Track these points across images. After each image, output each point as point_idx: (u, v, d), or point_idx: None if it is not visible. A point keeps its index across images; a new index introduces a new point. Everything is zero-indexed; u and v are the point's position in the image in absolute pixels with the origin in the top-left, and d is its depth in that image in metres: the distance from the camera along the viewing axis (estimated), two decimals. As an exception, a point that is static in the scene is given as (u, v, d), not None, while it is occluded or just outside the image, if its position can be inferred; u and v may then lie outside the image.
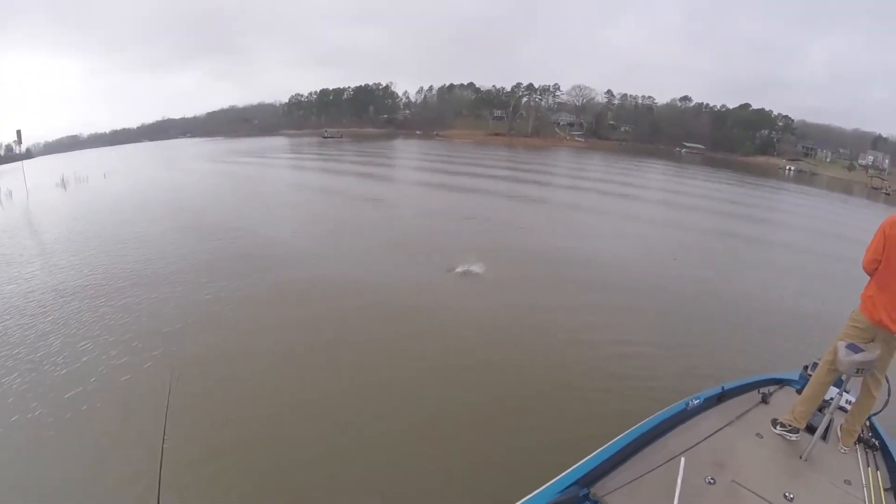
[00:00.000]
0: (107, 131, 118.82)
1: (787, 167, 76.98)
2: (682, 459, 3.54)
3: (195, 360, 7.67)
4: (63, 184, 28.76)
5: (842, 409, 4.61)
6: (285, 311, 9.53)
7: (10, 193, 24.90)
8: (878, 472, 4.01)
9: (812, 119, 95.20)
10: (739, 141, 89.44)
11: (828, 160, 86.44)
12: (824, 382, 4.21)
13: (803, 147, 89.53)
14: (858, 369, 3.86)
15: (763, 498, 3.55)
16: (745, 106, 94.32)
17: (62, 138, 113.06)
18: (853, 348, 3.88)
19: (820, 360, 4.38)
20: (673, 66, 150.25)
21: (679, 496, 3.22)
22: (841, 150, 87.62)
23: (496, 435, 5.89)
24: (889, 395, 4.33)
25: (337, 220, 18.20)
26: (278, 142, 70.65)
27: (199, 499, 4.87)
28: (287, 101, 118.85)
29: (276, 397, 6.56)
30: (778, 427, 4.25)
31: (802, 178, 66.34)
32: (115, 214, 19.29)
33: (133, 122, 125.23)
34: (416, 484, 5.15)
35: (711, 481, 3.69)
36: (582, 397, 6.68)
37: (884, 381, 4.16)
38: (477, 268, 11.94)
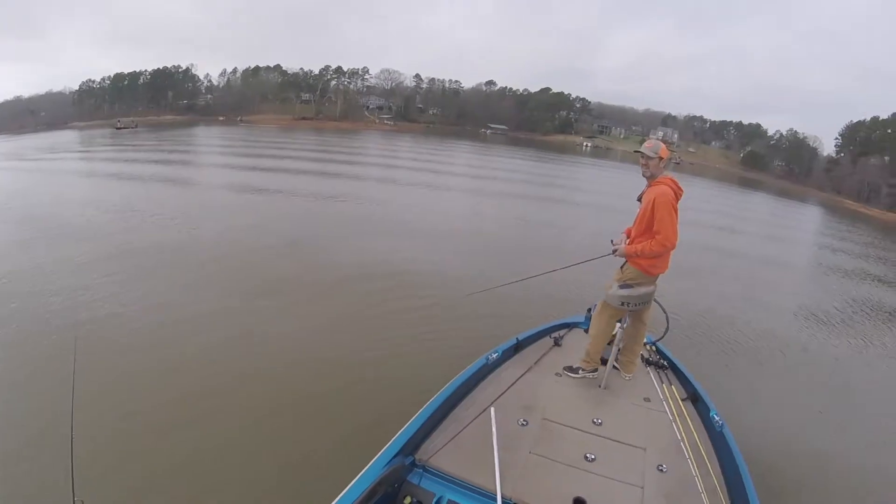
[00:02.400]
0: None
1: (585, 144, 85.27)
2: (493, 409, 3.77)
3: None
4: None
5: None
6: None
7: None
8: (672, 387, 4.53)
9: (608, 101, 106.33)
10: (540, 121, 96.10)
11: (622, 136, 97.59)
12: (607, 322, 4.55)
13: (599, 126, 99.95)
14: (624, 303, 4.26)
15: (574, 427, 3.89)
16: (546, 90, 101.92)
17: None
18: (625, 286, 4.31)
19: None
20: (482, 52, 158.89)
21: (496, 443, 3.46)
22: (634, 128, 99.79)
23: (319, 427, 5.60)
24: (668, 322, 5.01)
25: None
26: (65, 136, 61.39)
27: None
28: (78, 88, 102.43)
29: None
30: (580, 372, 4.60)
31: (598, 153, 74.75)
32: None
33: None
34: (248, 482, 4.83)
35: (524, 423, 3.94)
36: (389, 375, 6.56)
37: (660, 313, 4.83)
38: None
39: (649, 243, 4.10)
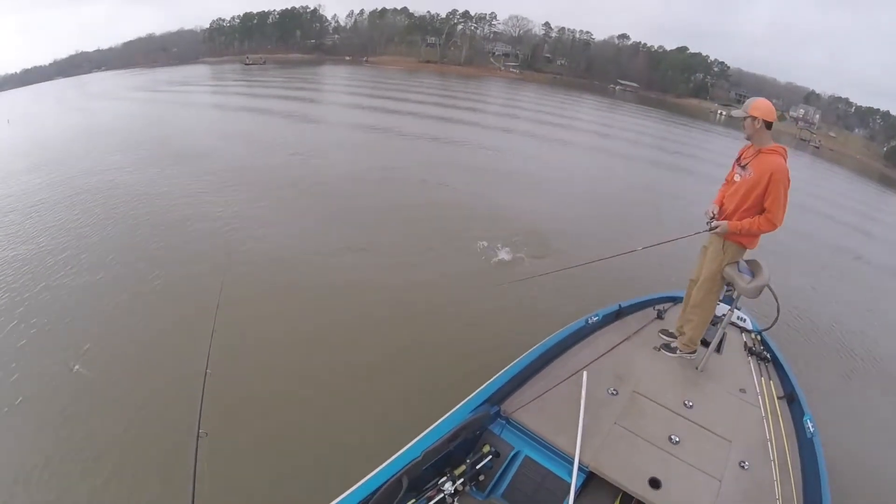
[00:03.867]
0: (17, 71, 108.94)
1: (719, 111, 77.49)
2: (585, 374, 3.86)
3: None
4: None
5: (734, 324, 5.12)
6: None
7: None
8: (771, 382, 4.36)
9: (747, 68, 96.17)
10: (673, 82, 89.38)
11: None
12: (713, 302, 4.37)
13: (736, 94, 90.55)
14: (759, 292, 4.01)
15: (663, 406, 3.83)
16: (683, 49, 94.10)
17: None
18: (745, 272, 4.05)
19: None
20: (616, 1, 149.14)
21: (584, 408, 3.54)
22: (774, 101, 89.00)
23: (414, 370, 6.03)
24: (779, 312, 4.42)
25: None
26: (198, 70, 65.73)
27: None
28: (208, 26, 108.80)
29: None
30: (677, 352, 4.46)
31: (732, 122, 68.20)
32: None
33: (45, 59, 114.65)
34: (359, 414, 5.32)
35: (614, 392, 3.92)
36: (487, 327, 6.79)
37: (771, 300, 4.30)
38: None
39: (757, 220, 3.81)
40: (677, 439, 3.52)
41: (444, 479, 3.30)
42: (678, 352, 4.44)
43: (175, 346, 6.34)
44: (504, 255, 8.85)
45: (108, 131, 20.19)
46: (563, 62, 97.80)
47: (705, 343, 4.49)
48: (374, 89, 40.48)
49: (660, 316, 5.15)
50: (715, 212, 4.16)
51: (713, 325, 4.57)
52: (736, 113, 3.90)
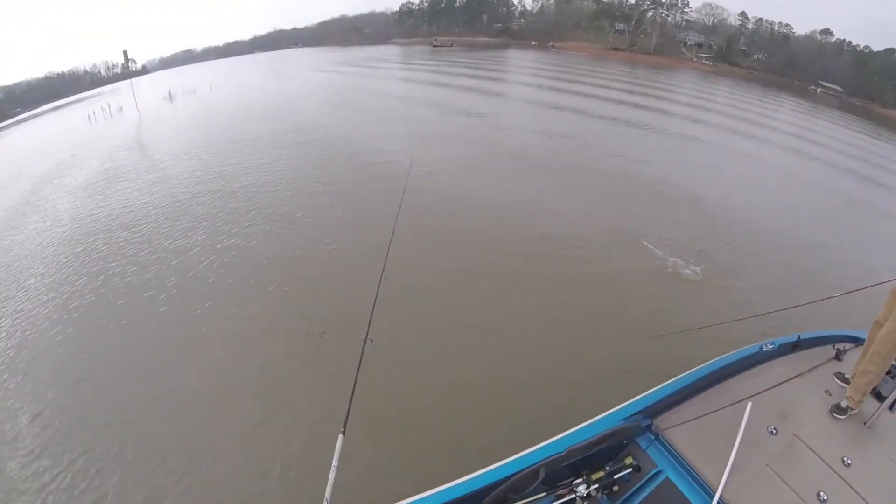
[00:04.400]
0: (220, 44, 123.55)
1: None
2: (749, 404, 3.61)
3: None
4: (170, 97, 30.46)
5: None
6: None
7: (121, 109, 26.70)
8: None
9: None
10: (880, 90, 77.49)
11: None
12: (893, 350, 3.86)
13: None
14: None
15: (822, 458, 3.49)
16: (892, 51, 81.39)
17: (177, 53, 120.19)
18: None
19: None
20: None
21: (740, 441, 3.31)
22: None
23: (575, 368, 6.44)
24: None
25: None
26: (389, 50, 70.00)
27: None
28: (398, 9, 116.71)
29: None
30: (848, 412, 3.91)
31: None
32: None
33: (245, 34, 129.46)
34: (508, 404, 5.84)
35: (774, 431, 3.65)
36: (658, 337, 6.85)
37: None
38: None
39: None
40: (825, 497, 3.27)
41: (580, 480, 3.34)
42: (849, 411, 3.91)
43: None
44: (685, 270, 9.07)
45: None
46: (759, 56, 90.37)
47: (880, 397, 4.01)
48: (560, 74, 41.30)
49: (838, 357, 4.64)
50: None
51: (892, 377, 4.21)
52: None
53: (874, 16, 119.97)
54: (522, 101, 26.71)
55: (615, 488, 3.45)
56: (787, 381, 4.14)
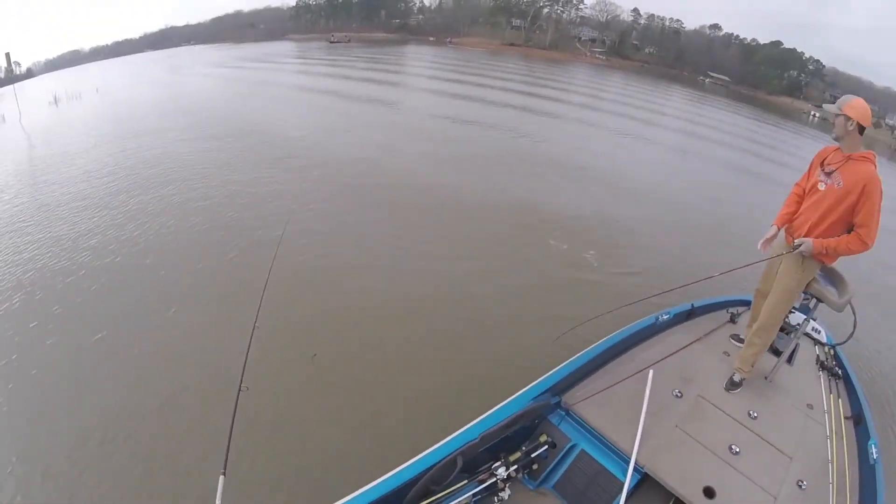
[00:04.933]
0: (108, 42, 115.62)
1: (812, 113, 72.66)
2: (651, 372, 3.74)
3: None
4: (55, 102, 27.76)
5: (807, 335, 4.93)
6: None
7: (2, 118, 24.47)
8: (840, 400, 4.17)
9: (843, 68, 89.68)
10: (766, 78, 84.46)
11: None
12: (781, 321, 4.11)
13: (831, 95, 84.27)
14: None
15: (728, 414, 3.74)
16: (777, 43, 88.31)
17: (63, 54, 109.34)
18: (828, 284, 3.94)
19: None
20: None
21: (646, 407, 3.47)
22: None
23: (472, 352, 6.13)
24: (855, 326, 4.29)
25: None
26: (284, 47, 67.91)
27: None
28: (294, 4, 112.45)
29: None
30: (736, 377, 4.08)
31: (825, 126, 63.95)
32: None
33: (135, 32, 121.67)
34: (404, 394, 5.50)
35: (678, 395, 3.86)
36: (553, 314, 6.78)
37: (849, 314, 4.12)
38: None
39: (847, 240, 3.43)
40: (737, 450, 3.45)
41: (499, 464, 3.35)
42: (742, 384, 4.07)
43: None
44: (578, 256, 8.80)
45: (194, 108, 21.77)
46: (651, 50, 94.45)
47: (777, 352, 4.34)
48: (457, 71, 40.83)
49: (732, 320, 5.00)
50: (775, 231, 3.95)
51: (787, 333, 4.43)
52: (828, 107, 3.48)
53: (762, 9, 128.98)
54: (425, 91, 25.75)
55: (534, 466, 3.49)
56: (686, 346, 4.35)
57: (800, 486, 3.29)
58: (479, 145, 16.18)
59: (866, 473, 3.47)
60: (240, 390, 2.96)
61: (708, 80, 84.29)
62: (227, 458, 2.56)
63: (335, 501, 2.82)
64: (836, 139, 3.50)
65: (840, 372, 4.56)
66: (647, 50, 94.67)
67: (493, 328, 6.70)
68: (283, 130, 16.21)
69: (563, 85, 39.13)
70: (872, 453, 3.50)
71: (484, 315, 6.97)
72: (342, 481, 3.34)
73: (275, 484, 4.53)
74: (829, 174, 3.51)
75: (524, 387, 3.62)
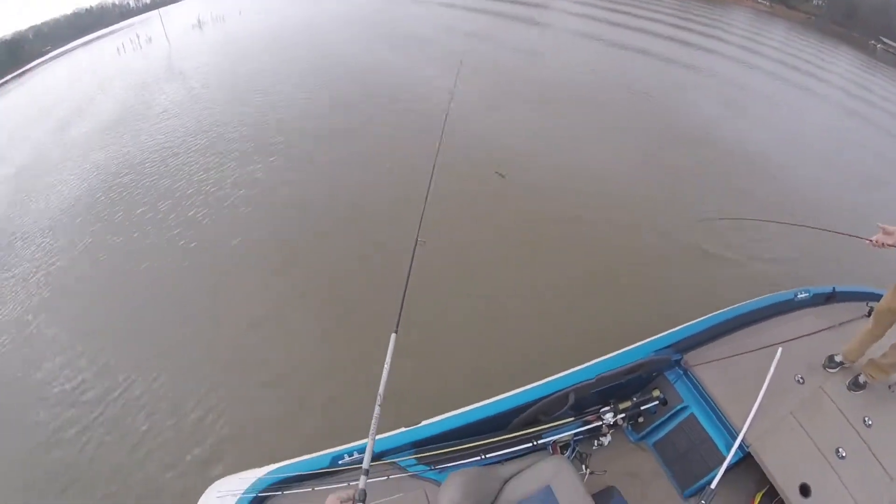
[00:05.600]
0: None
1: None
2: (779, 350, 3.53)
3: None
4: (199, 25, 30.10)
5: None
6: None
7: (149, 39, 25.85)
8: None
9: None
10: None
11: None
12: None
13: None
14: None
15: (844, 415, 3.51)
16: None
17: None
18: None
19: None
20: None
21: (767, 386, 3.29)
22: None
23: (607, 299, 6.57)
24: None
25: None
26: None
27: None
28: None
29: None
30: (865, 386, 3.80)
31: None
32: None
33: None
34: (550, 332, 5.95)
35: (801, 380, 3.69)
36: (688, 270, 7.21)
37: None
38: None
39: None
40: (844, 454, 3.30)
41: (608, 409, 3.44)
42: (866, 387, 3.79)
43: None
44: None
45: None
46: (821, 2, 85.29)
47: None
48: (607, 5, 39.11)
49: (870, 314, 4.23)
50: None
51: None
52: None
53: None
54: (569, 32, 25.61)
55: (640, 419, 3.56)
56: (819, 332, 4.09)
57: None
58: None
59: None
60: (416, 244, 3.23)
61: (879, 46, 75.60)
62: (399, 319, 2.81)
63: (456, 409, 3.17)
64: None
65: None
66: (815, 1, 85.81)
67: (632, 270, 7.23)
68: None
69: (719, 32, 36.74)
70: None
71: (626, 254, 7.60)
72: (473, 386, 3.99)
73: (427, 367, 5.37)
74: None
75: (645, 339, 3.67)
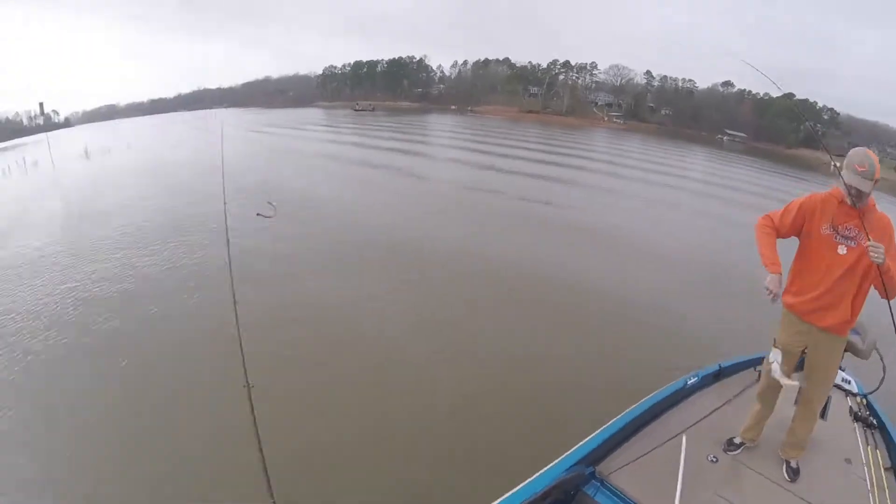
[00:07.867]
0: (144, 100, 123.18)
1: (833, 164, 71.24)
2: (684, 437, 3.65)
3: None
4: (86, 155, 30.01)
5: (838, 387, 4.68)
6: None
7: (35, 163, 26.18)
8: (878, 451, 3.98)
9: (859, 114, 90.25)
10: (782, 132, 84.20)
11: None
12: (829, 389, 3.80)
13: (848, 143, 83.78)
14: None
15: (765, 476, 3.58)
16: (790, 95, 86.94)
17: (100, 107, 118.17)
18: (853, 332, 3.79)
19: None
20: (716, 49, 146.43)
21: (682, 474, 3.29)
22: (888, 149, 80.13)
23: (500, 421, 5.98)
24: (884, 372, 4.36)
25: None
26: (313, 113, 70.66)
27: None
28: (321, 72, 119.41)
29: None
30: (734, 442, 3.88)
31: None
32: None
33: (170, 92, 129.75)
34: (425, 468, 5.26)
35: (714, 459, 3.73)
36: (580, 382, 6.74)
37: (877, 360, 4.21)
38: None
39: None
40: None
41: None
42: (736, 442, 3.86)
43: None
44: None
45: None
46: (667, 112, 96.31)
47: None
48: (477, 138, 41.98)
49: (759, 379, 4.48)
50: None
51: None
52: (865, 187, 3.06)
53: (770, 65, 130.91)
54: (448, 160, 26.47)
55: None
56: (717, 409, 4.29)
57: None
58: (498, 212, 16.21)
59: None
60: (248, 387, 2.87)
61: (726, 137, 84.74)
62: (269, 485, 2.46)
63: None
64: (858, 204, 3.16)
65: (875, 422, 4.42)
66: (662, 111, 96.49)
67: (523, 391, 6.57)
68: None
69: (584, 152, 39.69)
70: None
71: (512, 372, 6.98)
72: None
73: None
74: (848, 237, 3.22)
75: (557, 457, 3.51)
